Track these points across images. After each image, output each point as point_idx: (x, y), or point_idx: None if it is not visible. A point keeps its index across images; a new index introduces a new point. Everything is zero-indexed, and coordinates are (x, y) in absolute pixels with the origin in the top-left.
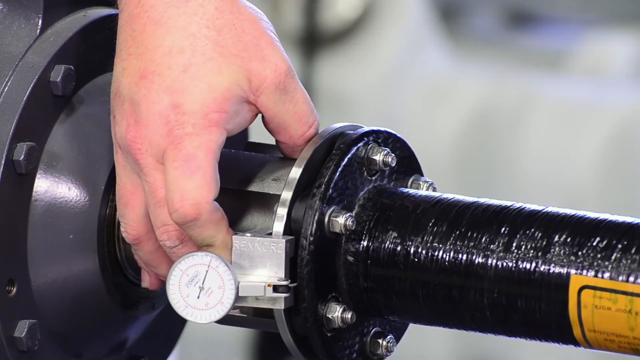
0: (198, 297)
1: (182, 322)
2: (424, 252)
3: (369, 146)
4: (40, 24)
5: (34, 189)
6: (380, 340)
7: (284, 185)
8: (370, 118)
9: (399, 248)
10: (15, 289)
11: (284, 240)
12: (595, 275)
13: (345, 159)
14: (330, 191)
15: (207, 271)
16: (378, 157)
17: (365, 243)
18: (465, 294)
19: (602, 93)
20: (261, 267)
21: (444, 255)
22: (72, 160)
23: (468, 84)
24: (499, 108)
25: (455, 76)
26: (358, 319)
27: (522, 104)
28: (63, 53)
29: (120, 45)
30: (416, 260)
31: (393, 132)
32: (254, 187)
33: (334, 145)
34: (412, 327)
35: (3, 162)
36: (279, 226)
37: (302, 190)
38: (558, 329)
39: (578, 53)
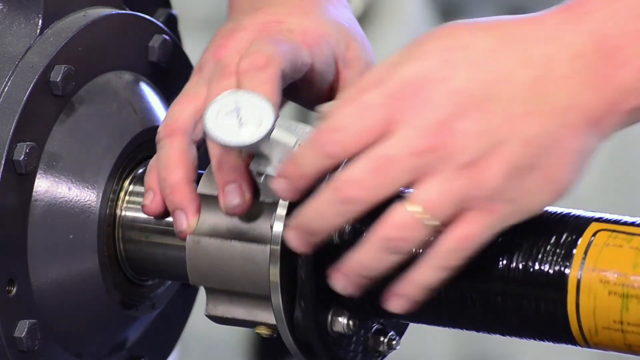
0: (232, 125)
1: (182, 322)
2: None
3: None
4: (40, 24)
5: (34, 189)
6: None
7: None
8: None
9: None
10: (15, 289)
11: None
12: (615, 222)
13: None
14: None
15: (249, 107)
16: None
17: None
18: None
19: None
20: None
21: None
22: (72, 160)
23: None
24: None
25: None
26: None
27: None
28: (63, 53)
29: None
30: None
31: None
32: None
33: None
34: (411, 326)
35: (3, 162)
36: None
37: None
38: (554, 277)
39: None
